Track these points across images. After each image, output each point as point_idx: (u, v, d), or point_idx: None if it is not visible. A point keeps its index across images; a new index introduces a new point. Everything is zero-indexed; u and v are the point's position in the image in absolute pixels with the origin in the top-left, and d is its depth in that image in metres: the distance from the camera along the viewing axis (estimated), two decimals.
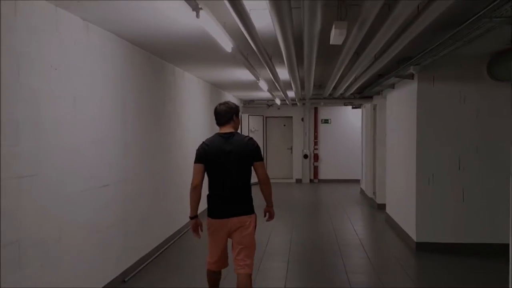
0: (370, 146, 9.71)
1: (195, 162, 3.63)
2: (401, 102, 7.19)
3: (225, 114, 3.68)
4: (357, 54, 5.66)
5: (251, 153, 3.62)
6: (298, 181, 14.34)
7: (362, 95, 10.17)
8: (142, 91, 5.49)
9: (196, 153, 3.67)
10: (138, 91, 5.37)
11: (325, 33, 4.39)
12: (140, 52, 5.41)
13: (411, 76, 6.38)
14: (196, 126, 8.19)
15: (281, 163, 14.67)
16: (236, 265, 3.60)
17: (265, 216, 3.89)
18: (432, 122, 6.14)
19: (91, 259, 4.17)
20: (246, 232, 3.59)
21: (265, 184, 3.70)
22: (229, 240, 3.69)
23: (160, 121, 6.19)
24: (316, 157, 14.25)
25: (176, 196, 6.82)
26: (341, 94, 10.09)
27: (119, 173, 4.79)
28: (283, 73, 7.42)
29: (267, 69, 6.07)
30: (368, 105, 9.98)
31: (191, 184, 3.60)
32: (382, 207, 9.00)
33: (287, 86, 9.04)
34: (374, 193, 9.49)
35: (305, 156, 14.17)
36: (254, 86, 9.08)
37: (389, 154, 8.16)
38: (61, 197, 3.68)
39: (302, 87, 9.07)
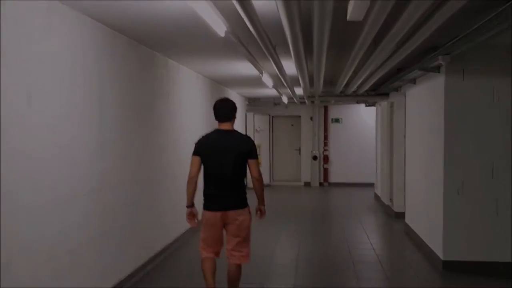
0: (386, 148, 8.88)
1: (193, 154, 3.82)
2: (424, 99, 6.37)
3: (229, 112, 3.85)
4: (375, 42, 4.90)
5: (247, 150, 3.79)
6: (307, 184, 13.52)
7: (377, 92, 9.34)
8: (125, 85, 4.73)
9: (195, 146, 3.85)
10: (121, 85, 4.62)
11: (338, 16, 3.63)
12: (123, 39, 4.66)
13: (437, 69, 5.56)
14: (194, 126, 7.43)
15: (288, 165, 13.86)
16: (230, 255, 3.79)
17: (256, 214, 3.99)
18: (462, 122, 5.31)
19: (54, 286, 3.42)
20: (242, 225, 3.78)
21: (258, 181, 3.85)
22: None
23: (149, 119, 5.43)
24: (326, 159, 13.42)
25: (169, 205, 6.06)
26: (354, 91, 9.28)
27: (93, 180, 4.04)
28: (290, 67, 6.63)
29: (271, 61, 5.29)
30: (384, 103, 9.16)
31: (188, 175, 3.83)
32: (400, 216, 8.17)
33: (294, 82, 8.25)
34: (391, 200, 8.66)
35: (314, 158, 13.36)
36: (258, 82, 8.30)
37: (409, 158, 7.34)
38: (10, 214, 2.93)
39: (311, 84, 8.27)
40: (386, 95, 9.27)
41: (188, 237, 6.80)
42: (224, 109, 3.85)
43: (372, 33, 4.11)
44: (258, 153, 13.13)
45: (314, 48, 4.72)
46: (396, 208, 8.41)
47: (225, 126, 3.84)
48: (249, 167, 3.83)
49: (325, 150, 13.47)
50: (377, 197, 10.59)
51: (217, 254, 3.85)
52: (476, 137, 5.29)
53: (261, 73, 6.34)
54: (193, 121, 7.38)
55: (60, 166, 3.52)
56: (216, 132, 3.87)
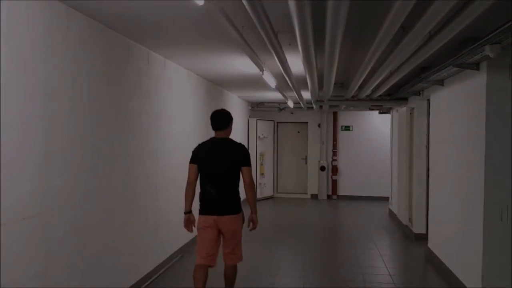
0: (404, 159, 7.84)
1: (190, 162, 4.02)
2: (455, 103, 5.34)
3: (224, 121, 4.09)
4: (403, 28, 3.94)
5: (240, 158, 3.99)
6: (314, 197, 12.46)
7: (393, 97, 8.31)
8: (85, 79, 3.75)
9: (192, 154, 4.05)
10: (77, 77, 3.64)
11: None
12: (82, 20, 3.68)
13: (475, 66, 4.55)
14: (185, 132, 6.45)
15: (294, 176, 12.81)
16: (226, 257, 4.03)
17: (248, 225, 4.10)
18: (508, 131, 4.28)
19: None
20: (235, 230, 3.99)
21: (250, 187, 3.99)
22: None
23: (122, 123, 4.44)
24: (335, 170, 12.36)
25: (147, 227, 5.06)
26: (368, 95, 8.28)
27: (34, 201, 3.06)
28: (296, 64, 5.67)
29: (273, 52, 4.31)
30: (402, 109, 8.13)
31: (187, 181, 4.00)
32: (420, 237, 7.14)
33: (301, 84, 7.28)
34: (410, 219, 7.60)
35: (322, 168, 12.31)
36: (260, 83, 7.33)
37: (434, 172, 6.29)
38: None
39: (320, 86, 7.28)
40: (404, 100, 8.25)
41: (172, 265, 5.78)
42: (219, 119, 4.08)
43: (401, 15, 3.22)
44: (260, 162, 11.99)
45: (327, 36, 3.75)
46: (416, 229, 7.36)
47: (220, 134, 4.07)
48: (242, 174, 4.00)
49: (334, 160, 12.42)
50: (392, 214, 9.53)
51: (211, 261, 3.93)
52: None
53: (262, 70, 5.36)
54: (183, 126, 6.40)
55: None
56: (212, 140, 4.11)
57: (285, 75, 5.69)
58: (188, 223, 4.03)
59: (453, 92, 5.42)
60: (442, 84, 5.78)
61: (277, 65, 5.07)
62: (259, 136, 11.76)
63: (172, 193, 5.80)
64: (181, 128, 6.29)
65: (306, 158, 12.74)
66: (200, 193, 4.02)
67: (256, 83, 7.61)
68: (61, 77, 3.37)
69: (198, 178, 4.01)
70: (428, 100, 6.95)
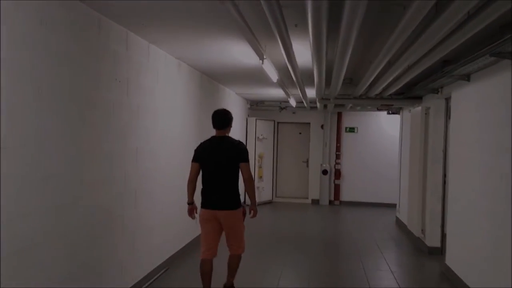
0: (416, 165, 7.11)
1: (192, 161, 4.34)
2: (485, 101, 4.62)
3: (223, 121, 4.37)
4: (436, 8, 3.26)
5: (239, 154, 4.27)
6: (315, 202, 11.72)
7: (407, 95, 7.59)
8: (41, 62, 3.02)
9: (194, 153, 4.37)
10: (29, 60, 2.91)
11: None
12: None
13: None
14: (173, 130, 5.72)
15: (294, 179, 12.06)
16: (228, 247, 4.36)
17: (249, 213, 4.39)
18: None
19: None
20: (234, 224, 4.29)
21: (248, 182, 4.26)
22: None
23: (91, 116, 3.69)
24: (338, 174, 11.62)
25: (123, 239, 4.32)
26: (377, 94, 7.56)
27: None
28: (302, 54, 4.97)
29: (277, 34, 3.60)
30: (416, 109, 7.39)
31: (188, 178, 4.34)
32: (434, 251, 6.44)
33: (306, 79, 6.57)
34: (422, 231, 6.87)
35: (324, 172, 11.58)
36: (260, 76, 6.61)
37: (454, 180, 5.56)
38: None
39: (327, 82, 6.56)
40: (418, 98, 7.52)
41: (155, 280, 5.03)
42: (220, 118, 4.36)
43: None
44: (259, 164, 11.24)
45: (344, 16, 3.04)
46: (430, 242, 6.63)
47: (220, 133, 4.35)
48: (240, 170, 4.25)
49: (337, 163, 11.67)
50: (399, 223, 8.80)
51: (211, 254, 4.25)
52: None
53: (262, 58, 4.64)
54: (171, 124, 5.66)
55: None
56: (212, 138, 4.38)
57: (288, 65, 4.96)
58: (191, 212, 4.35)
59: (482, 89, 4.69)
60: (468, 80, 5.05)
61: (280, 52, 4.34)
62: (258, 137, 11.04)
63: (155, 198, 5.08)
64: (169, 126, 5.55)
65: (307, 161, 12.00)
66: (202, 188, 4.29)
67: (256, 76, 6.88)
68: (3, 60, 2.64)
69: (200, 175, 4.31)
70: (447, 98, 6.24)
